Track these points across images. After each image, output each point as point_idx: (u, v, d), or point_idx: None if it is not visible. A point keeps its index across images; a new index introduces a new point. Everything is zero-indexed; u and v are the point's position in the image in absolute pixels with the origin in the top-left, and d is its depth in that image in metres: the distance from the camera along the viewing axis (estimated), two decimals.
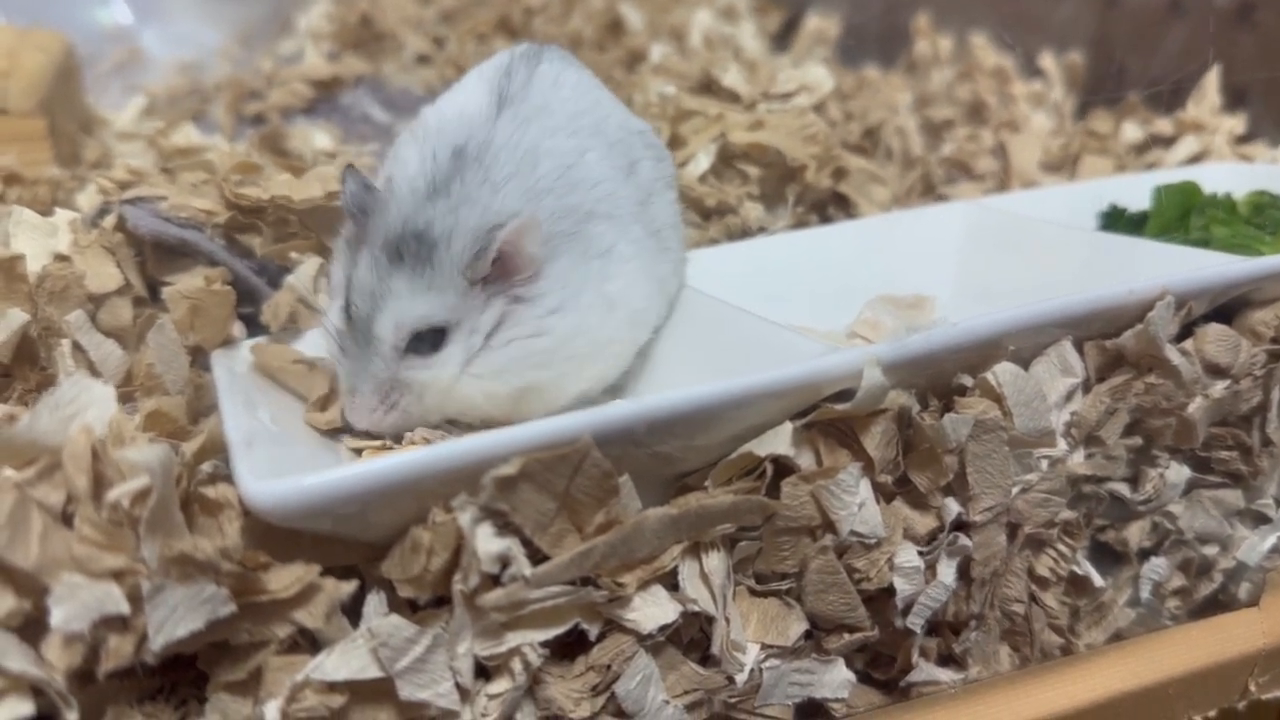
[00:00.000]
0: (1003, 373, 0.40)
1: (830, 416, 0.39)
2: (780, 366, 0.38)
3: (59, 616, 0.30)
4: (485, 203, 0.43)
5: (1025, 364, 0.43)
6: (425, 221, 0.43)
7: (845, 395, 0.39)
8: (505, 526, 0.35)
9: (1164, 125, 0.76)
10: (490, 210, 0.43)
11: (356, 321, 0.44)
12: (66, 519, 0.32)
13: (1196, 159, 0.73)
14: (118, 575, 0.31)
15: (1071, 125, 0.82)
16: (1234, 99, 0.81)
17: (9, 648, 0.31)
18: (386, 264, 0.43)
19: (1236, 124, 0.75)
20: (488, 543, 0.34)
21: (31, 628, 0.31)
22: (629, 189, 0.49)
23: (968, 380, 0.41)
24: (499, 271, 0.44)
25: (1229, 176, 0.67)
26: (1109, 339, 0.44)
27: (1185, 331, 0.46)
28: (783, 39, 1.20)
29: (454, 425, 0.46)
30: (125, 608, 0.31)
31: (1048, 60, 0.86)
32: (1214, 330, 0.45)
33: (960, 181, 0.70)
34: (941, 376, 0.42)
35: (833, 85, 0.69)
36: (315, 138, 0.65)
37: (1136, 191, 0.63)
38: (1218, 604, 0.50)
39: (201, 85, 0.88)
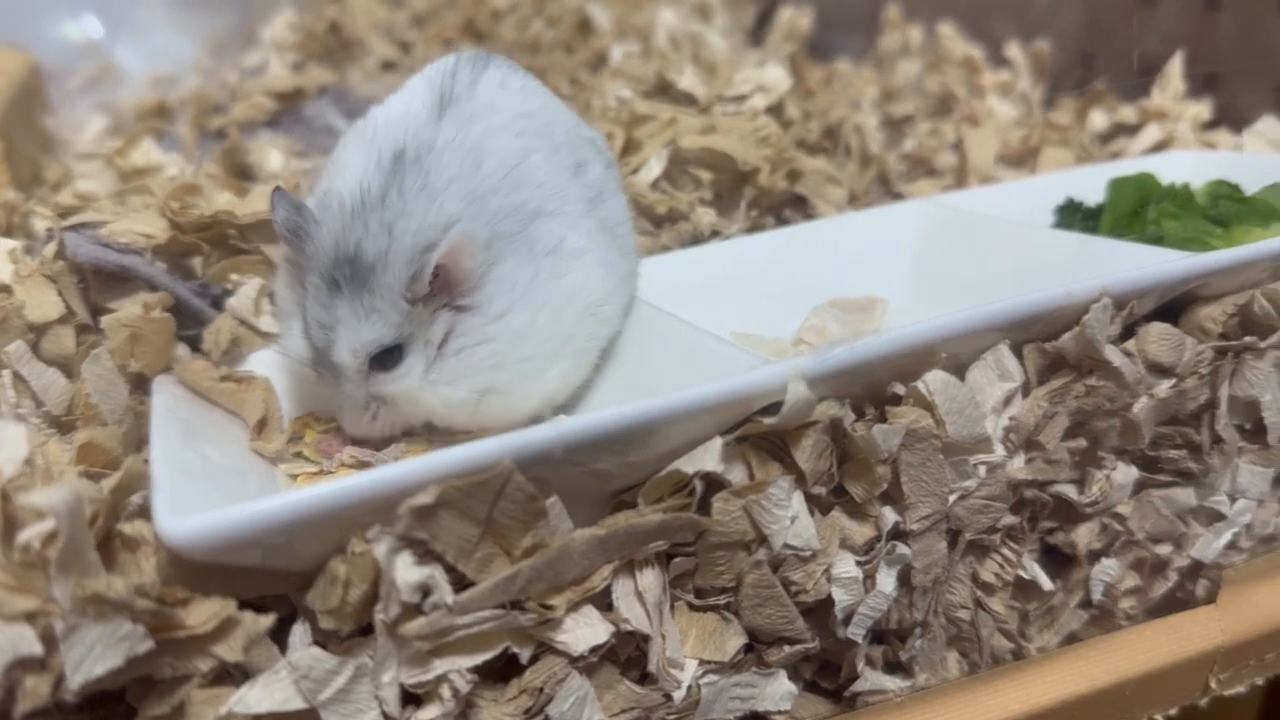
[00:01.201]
0: (933, 381, 0.40)
1: (760, 431, 0.39)
2: (705, 383, 0.37)
3: None
4: (421, 214, 0.43)
5: (965, 368, 0.43)
6: (356, 243, 0.43)
7: (776, 407, 0.39)
8: (426, 554, 0.35)
9: (1128, 113, 0.75)
10: (426, 222, 0.43)
11: (319, 351, 0.45)
12: None
13: (1160, 147, 0.72)
14: (30, 616, 0.31)
15: (1040, 114, 0.81)
16: (1205, 85, 0.80)
17: None
18: (327, 294, 0.43)
19: (1201, 110, 0.74)
20: (407, 572, 0.34)
21: None
22: (577, 187, 0.48)
23: (900, 389, 0.41)
24: (439, 287, 0.44)
25: (1193, 164, 0.67)
26: (1050, 340, 0.44)
27: (1134, 329, 0.46)
28: (757, 32, 1.20)
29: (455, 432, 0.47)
30: (38, 649, 0.31)
31: (1014, 50, 0.86)
32: (1156, 329, 0.45)
33: (919, 178, 0.69)
34: (877, 384, 0.42)
35: (790, 84, 0.69)
36: (270, 156, 0.65)
37: (1096, 183, 0.63)
38: (1176, 602, 0.50)
39: (167, 101, 0.87)
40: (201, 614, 0.33)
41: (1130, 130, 0.74)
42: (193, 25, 1.14)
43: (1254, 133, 0.71)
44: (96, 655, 0.32)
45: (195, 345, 0.50)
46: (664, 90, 0.69)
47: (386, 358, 0.44)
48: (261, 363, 0.49)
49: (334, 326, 0.44)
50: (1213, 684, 0.49)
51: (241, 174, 0.73)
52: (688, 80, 0.68)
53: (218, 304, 0.50)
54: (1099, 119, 0.77)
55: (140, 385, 0.47)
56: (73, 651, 0.31)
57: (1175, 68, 0.76)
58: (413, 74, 0.50)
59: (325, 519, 0.33)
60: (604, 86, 0.75)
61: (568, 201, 0.47)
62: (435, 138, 0.45)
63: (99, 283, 0.50)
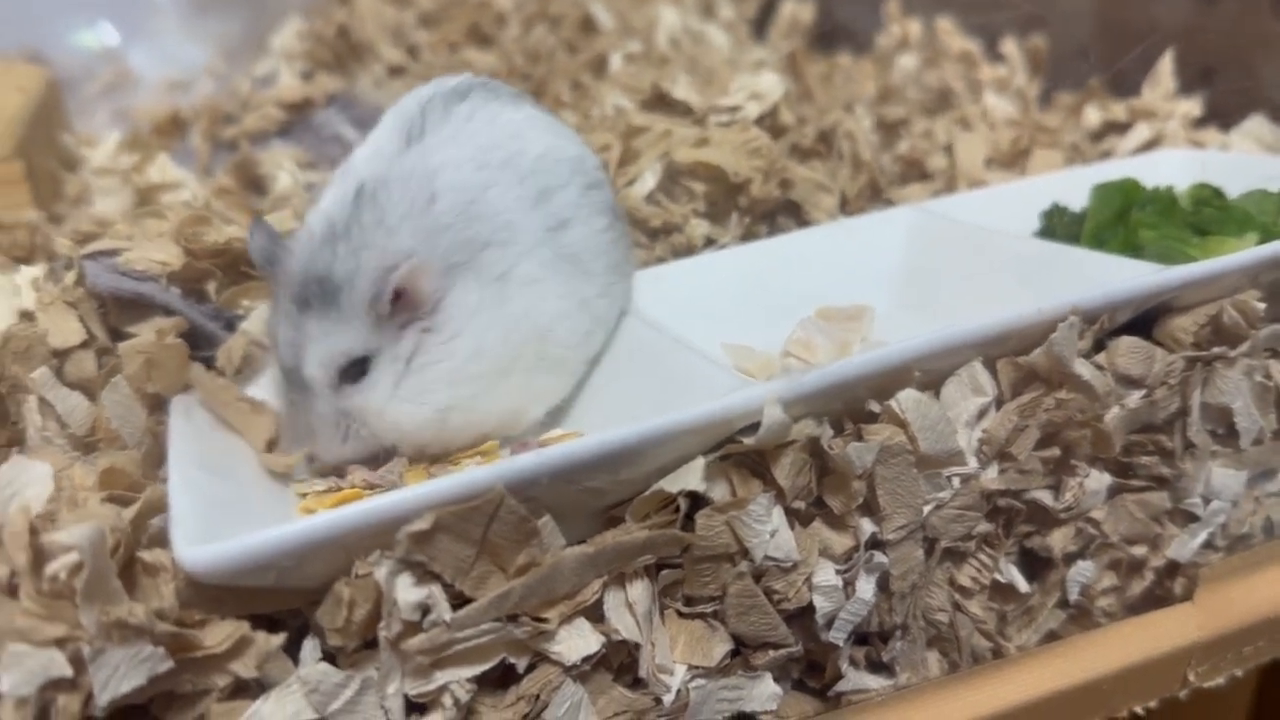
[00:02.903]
0: (906, 399, 0.42)
1: (741, 450, 0.41)
2: (687, 408, 0.39)
3: (7, 683, 0.33)
4: (381, 245, 0.46)
5: (940, 382, 0.45)
6: (325, 266, 0.46)
7: (757, 428, 0.41)
8: (426, 575, 0.37)
9: (1120, 111, 0.76)
10: (386, 252, 0.46)
11: (289, 372, 0.47)
12: (11, 591, 0.35)
13: (1151, 145, 0.73)
14: (60, 642, 0.34)
15: (1035, 110, 0.83)
16: (1199, 79, 0.81)
17: None
18: (297, 313, 0.46)
19: (1192, 108, 0.75)
20: (407, 592, 0.36)
21: None
22: (536, 216, 0.50)
23: (876, 407, 0.43)
24: (402, 307, 0.46)
25: (1181, 163, 0.68)
26: (1023, 355, 0.45)
27: (1106, 341, 0.48)
28: (762, 23, 1.21)
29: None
30: (69, 671, 0.34)
31: (1010, 46, 0.87)
32: (1125, 343, 0.46)
33: (910, 183, 0.71)
34: (857, 402, 0.44)
35: (784, 90, 0.70)
36: (280, 177, 0.67)
37: (1084, 185, 0.64)
38: (1153, 600, 0.52)
39: (181, 112, 0.90)
40: (218, 635, 0.36)
41: (1121, 128, 0.75)
42: (205, 30, 1.16)
43: (1241, 132, 0.72)
44: (121, 675, 0.34)
45: (209, 366, 0.52)
46: (660, 99, 0.71)
47: (354, 370, 0.47)
48: (273, 381, 0.52)
49: (303, 343, 0.46)
50: (1191, 677, 0.51)
51: (253, 186, 0.75)
52: (683, 90, 0.70)
53: (230, 327, 0.53)
54: (1092, 115, 0.78)
55: (158, 406, 0.50)
56: (100, 673, 0.34)
57: (1166, 66, 0.77)
58: (420, 81, 0.53)
59: (331, 544, 0.36)
60: (603, 94, 0.77)
61: (521, 231, 0.50)
62: (391, 174, 0.48)
63: (117, 308, 0.52)
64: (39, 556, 0.34)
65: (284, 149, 0.80)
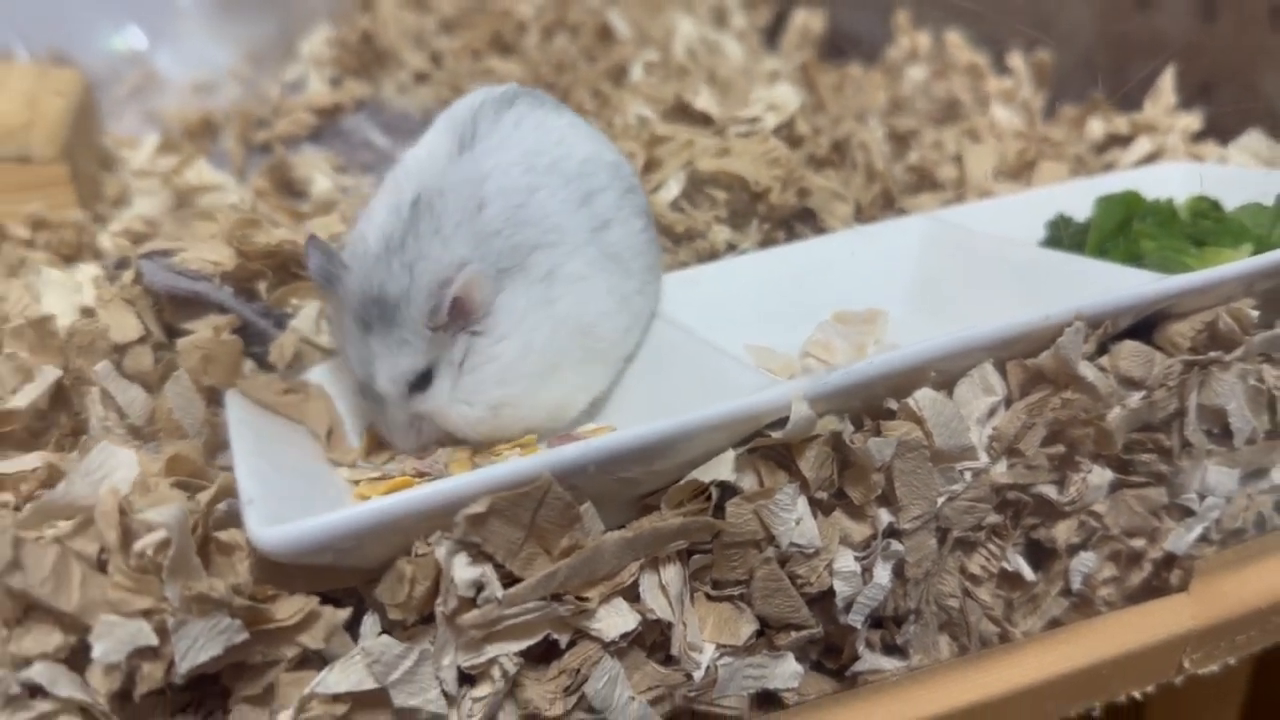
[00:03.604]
0: (922, 398, 0.45)
1: (768, 444, 0.44)
2: (720, 404, 0.42)
3: (99, 650, 0.36)
4: (436, 256, 0.49)
5: (953, 382, 0.48)
6: (380, 286, 0.49)
7: (783, 422, 0.44)
8: (479, 555, 0.40)
9: (1123, 124, 0.80)
10: (440, 262, 0.49)
11: (364, 384, 0.51)
12: (101, 567, 0.38)
13: (1152, 158, 0.76)
14: (147, 613, 0.37)
15: (1040, 122, 0.86)
16: (1198, 94, 0.84)
17: (59, 677, 0.36)
18: (360, 334, 0.50)
19: (1191, 122, 0.78)
20: (463, 571, 0.39)
21: (76, 659, 0.37)
22: (581, 218, 0.53)
23: (894, 404, 0.46)
24: (456, 316, 0.49)
25: (1181, 176, 0.71)
26: (1031, 358, 0.48)
27: (1109, 345, 0.51)
28: (773, 33, 1.24)
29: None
30: (154, 640, 0.36)
31: (1016, 59, 0.90)
32: (1127, 347, 0.49)
33: (922, 192, 0.74)
34: (875, 400, 0.47)
35: (800, 102, 0.73)
36: (318, 180, 0.70)
37: (1088, 196, 0.67)
38: (1151, 590, 0.55)
39: (213, 115, 0.93)
40: (289, 609, 0.38)
41: (1124, 141, 0.78)
42: (231, 33, 1.19)
43: (1239, 146, 0.75)
44: (200, 645, 0.37)
45: (260, 362, 0.55)
46: (682, 109, 0.74)
47: (420, 381, 0.51)
48: (322, 375, 0.55)
49: (371, 361, 0.50)
50: (1186, 664, 0.54)
51: (288, 189, 0.78)
52: (704, 100, 0.73)
53: (280, 325, 0.56)
54: (1096, 127, 0.81)
55: (213, 399, 0.53)
56: (181, 642, 0.37)
57: (1167, 81, 0.80)
58: (444, 88, 0.56)
59: (393, 525, 0.39)
60: (625, 103, 0.80)
61: (568, 232, 0.53)
62: (446, 182, 0.51)
63: (172, 306, 0.55)
64: (127, 535, 0.37)
65: (316, 154, 0.83)
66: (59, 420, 0.51)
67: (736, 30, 1.18)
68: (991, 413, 0.48)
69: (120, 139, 0.88)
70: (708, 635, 0.45)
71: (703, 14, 1.19)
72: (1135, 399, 0.49)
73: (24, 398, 0.50)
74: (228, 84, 1.11)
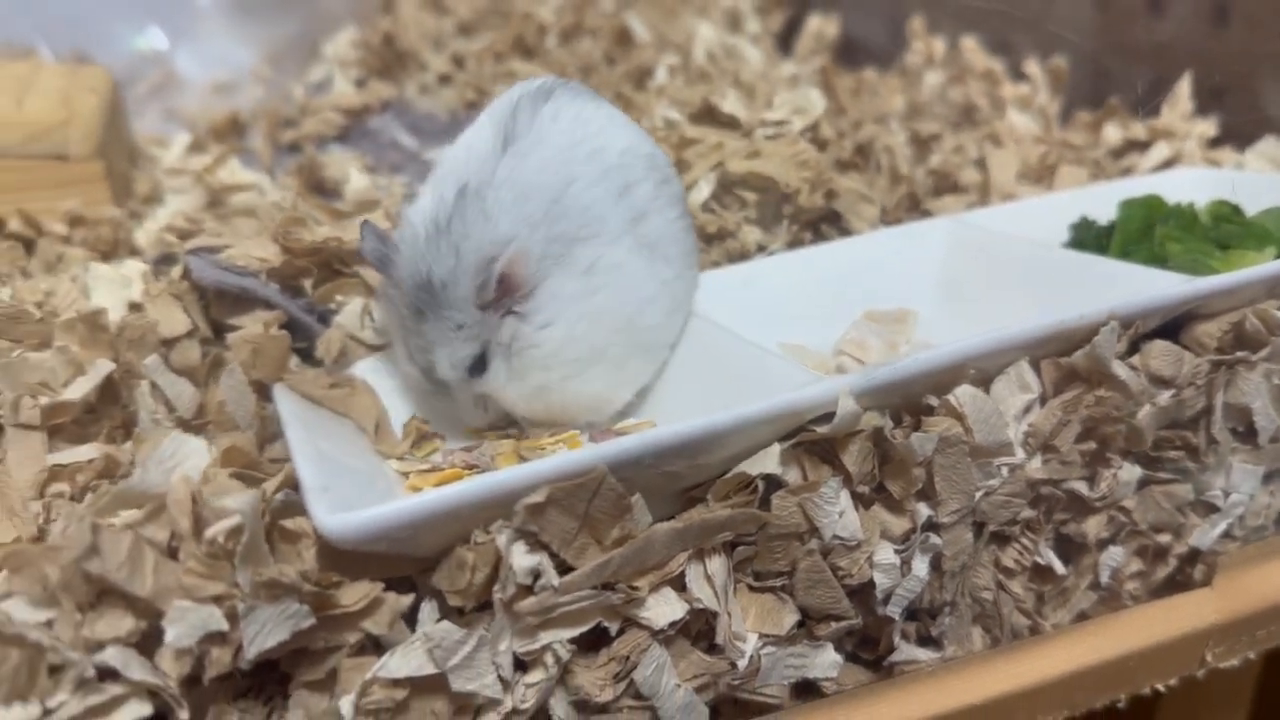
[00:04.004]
0: (963, 394, 0.46)
1: (812, 438, 0.45)
2: (767, 398, 0.44)
3: (171, 635, 0.37)
4: (480, 234, 0.50)
5: (989, 380, 0.49)
6: (427, 270, 0.50)
7: (827, 417, 0.45)
8: (536, 544, 0.41)
9: (1139, 130, 0.81)
10: (485, 240, 0.50)
11: (424, 371, 0.53)
12: (173, 553, 0.39)
13: (1169, 163, 0.78)
14: (217, 599, 0.38)
15: (1057, 128, 0.87)
16: (1213, 99, 0.85)
17: (131, 660, 0.37)
18: (415, 322, 0.51)
19: (1207, 128, 0.79)
20: (521, 559, 0.40)
21: (147, 643, 0.38)
22: (619, 209, 0.54)
23: (934, 401, 0.47)
24: (502, 293, 0.51)
25: (1198, 182, 0.73)
26: (1064, 356, 0.50)
27: (1139, 344, 0.52)
28: (786, 39, 1.25)
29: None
30: (225, 625, 0.38)
31: (1032, 66, 0.91)
32: (1158, 346, 0.50)
33: (945, 194, 0.75)
34: (914, 396, 0.48)
35: (824, 107, 0.74)
36: (352, 177, 0.71)
37: (1109, 199, 0.69)
38: (1175, 584, 0.56)
39: (238, 114, 0.94)
40: (354, 595, 0.40)
41: (1141, 146, 0.80)
42: (252, 34, 1.20)
43: (1256, 152, 0.76)
44: (269, 630, 0.38)
45: (305, 356, 0.56)
46: (709, 112, 0.75)
47: (477, 364, 0.52)
48: (366, 370, 0.56)
49: (430, 350, 0.52)
50: (1209, 657, 0.55)
51: (318, 188, 0.79)
52: (731, 104, 0.74)
53: (324, 320, 0.57)
54: (1113, 133, 0.83)
55: (261, 392, 0.54)
56: (250, 627, 0.38)
57: (1184, 88, 0.81)
58: (468, 89, 0.57)
59: (452, 514, 0.40)
60: (649, 106, 0.81)
61: (608, 223, 0.54)
62: (493, 174, 0.52)
63: (219, 301, 0.56)
64: (199, 522, 0.38)
65: (344, 153, 0.84)
66: (109, 413, 0.52)
67: (751, 35, 1.19)
68: (1027, 410, 0.49)
69: (148, 138, 0.89)
70: (751, 625, 0.46)
71: (717, 19, 1.20)
72: (1165, 397, 0.51)
73: (76, 391, 0.51)
74: (248, 84, 1.12)
